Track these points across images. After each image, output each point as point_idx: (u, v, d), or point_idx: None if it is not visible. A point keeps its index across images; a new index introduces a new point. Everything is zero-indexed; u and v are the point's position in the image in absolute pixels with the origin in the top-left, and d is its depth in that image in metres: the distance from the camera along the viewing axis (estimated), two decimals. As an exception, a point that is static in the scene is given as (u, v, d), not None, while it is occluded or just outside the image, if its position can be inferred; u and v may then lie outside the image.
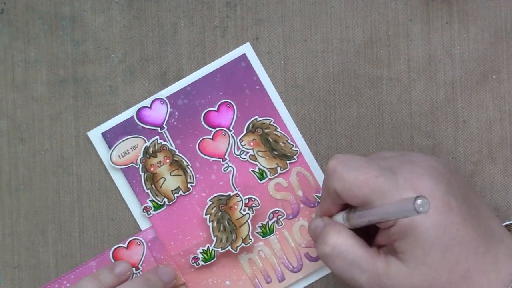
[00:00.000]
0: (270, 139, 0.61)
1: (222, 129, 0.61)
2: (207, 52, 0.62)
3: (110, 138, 0.61)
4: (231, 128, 0.61)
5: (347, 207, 0.54)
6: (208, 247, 0.60)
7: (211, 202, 0.60)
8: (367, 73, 0.61)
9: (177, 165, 0.61)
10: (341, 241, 0.51)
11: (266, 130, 0.61)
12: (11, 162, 0.62)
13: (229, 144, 0.61)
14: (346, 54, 0.61)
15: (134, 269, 0.60)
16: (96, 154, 0.62)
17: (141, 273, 0.60)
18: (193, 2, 0.62)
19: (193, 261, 0.60)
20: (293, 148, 0.61)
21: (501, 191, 0.61)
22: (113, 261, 0.60)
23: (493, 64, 0.61)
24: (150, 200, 0.61)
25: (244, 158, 0.61)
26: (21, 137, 0.62)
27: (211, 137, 0.61)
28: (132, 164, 0.61)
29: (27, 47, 0.62)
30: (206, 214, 0.60)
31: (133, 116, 0.61)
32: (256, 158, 0.61)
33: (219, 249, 0.60)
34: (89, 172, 0.62)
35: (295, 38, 0.61)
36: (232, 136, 0.61)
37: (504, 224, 0.60)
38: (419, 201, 0.42)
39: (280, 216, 0.61)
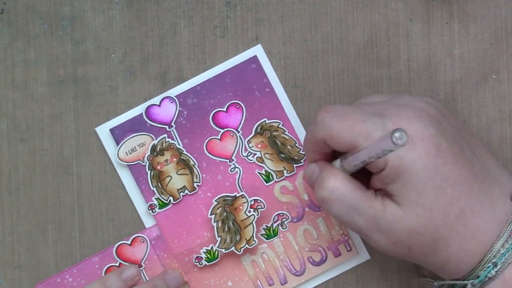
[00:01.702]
0: (278, 142, 0.61)
1: (230, 130, 0.61)
2: (207, 52, 0.62)
3: (118, 134, 0.61)
4: (239, 129, 0.61)
5: (335, 156, 0.54)
6: (212, 247, 0.60)
7: (216, 202, 0.60)
8: (367, 73, 0.61)
9: (184, 164, 0.61)
10: (338, 185, 0.52)
11: (274, 133, 0.61)
12: (11, 162, 0.62)
13: (236, 145, 0.61)
14: (346, 54, 0.61)
15: (136, 266, 0.60)
16: (96, 153, 0.62)
17: (144, 271, 0.60)
18: (193, 2, 0.62)
19: (196, 261, 0.60)
20: (301, 152, 0.61)
21: (501, 191, 0.61)
22: (116, 257, 0.60)
23: (493, 64, 0.61)
24: (155, 198, 0.61)
25: (251, 160, 0.61)
26: (21, 137, 0.62)
27: (219, 137, 0.61)
28: (139, 161, 0.61)
29: (27, 47, 0.62)
30: (211, 214, 0.60)
31: (142, 114, 0.61)
32: (263, 160, 0.61)
33: (223, 250, 0.60)
34: (89, 172, 0.62)
35: (295, 38, 0.61)
36: (240, 138, 0.61)
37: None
38: (396, 134, 0.42)
39: (284, 219, 0.61)
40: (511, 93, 0.61)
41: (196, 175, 0.61)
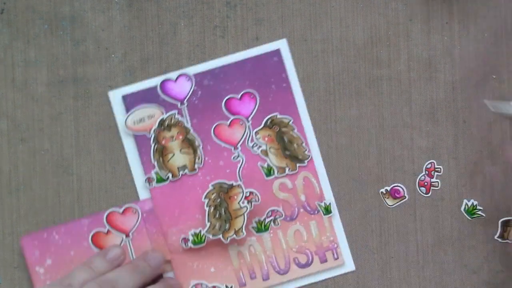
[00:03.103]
0: (285, 138, 0.61)
1: (241, 118, 0.61)
2: (207, 52, 0.62)
3: (130, 102, 0.61)
4: (249, 119, 0.61)
5: None
6: (200, 231, 0.60)
7: (212, 187, 0.60)
8: (367, 73, 0.61)
9: (188, 143, 0.61)
10: None
11: (283, 129, 0.61)
12: (11, 162, 0.62)
13: (244, 134, 0.61)
14: (346, 54, 0.61)
15: (124, 236, 0.60)
16: (96, 153, 0.62)
17: (130, 242, 0.60)
18: (193, 2, 0.62)
19: (182, 241, 0.60)
20: (306, 152, 0.61)
21: (501, 191, 0.61)
22: (105, 223, 0.60)
23: (493, 64, 0.61)
24: (154, 172, 0.61)
25: (256, 152, 0.61)
26: (21, 137, 0.62)
27: (228, 123, 0.61)
28: (145, 132, 0.61)
29: (27, 47, 0.62)
30: (205, 198, 0.60)
31: (156, 86, 0.61)
32: (267, 154, 0.61)
33: (210, 235, 0.60)
34: (89, 172, 0.62)
35: (295, 38, 0.61)
36: (249, 127, 0.61)
37: (503, 219, 0.60)
38: None
39: (278, 216, 0.61)
40: (511, 93, 0.61)
41: (199, 157, 0.61)
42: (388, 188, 0.61)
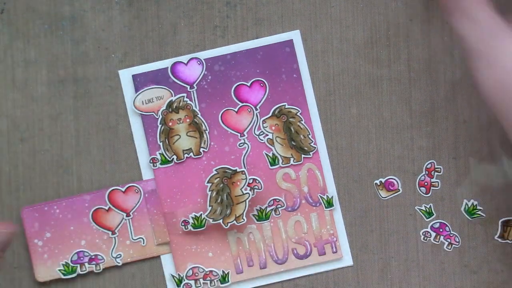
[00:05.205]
0: (292, 129, 0.61)
1: (249, 106, 0.61)
2: (207, 52, 0.62)
3: (139, 82, 0.61)
4: (257, 107, 0.61)
5: None
6: (201, 214, 0.60)
7: (216, 172, 0.60)
8: (367, 73, 0.61)
9: (195, 127, 0.61)
10: None
11: (291, 119, 0.61)
12: (11, 162, 0.62)
13: (251, 121, 0.61)
14: (346, 54, 0.61)
15: (125, 214, 0.60)
16: (96, 153, 0.62)
17: (131, 221, 0.61)
18: (193, 2, 0.62)
19: (182, 224, 0.60)
20: (312, 144, 0.61)
21: (501, 191, 0.61)
22: (107, 200, 0.61)
23: (493, 64, 0.61)
24: (159, 153, 0.61)
25: (262, 140, 0.61)
26: (21, 137, 0.62)
27: (236, 110, 0.61)
28: (153, 113, 0.61)
29: (27, 47, 0.62)
30: (208, 182, 0.60)
31: (167, 68, 0.61)
32: (273, 143, 0.61)
33: (211, 220, 0.60)
34: (89, 172, 0.62)
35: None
36: (257, 115, 0.61)
37: (503, 219, 0.61)
38: None
39: (279, 206, 0.61)
40: (511, 93, 0.61)
41: (205, 141, 0.61)
42: (383, 180, 0.61)
